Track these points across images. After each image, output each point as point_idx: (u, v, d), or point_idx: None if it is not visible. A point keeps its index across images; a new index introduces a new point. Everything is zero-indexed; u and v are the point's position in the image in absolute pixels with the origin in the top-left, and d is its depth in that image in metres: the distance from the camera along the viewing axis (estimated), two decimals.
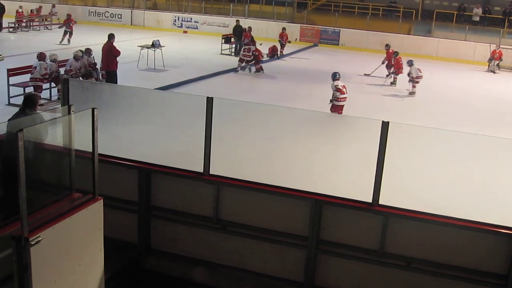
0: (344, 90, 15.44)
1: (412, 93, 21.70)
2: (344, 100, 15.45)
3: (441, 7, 39.70)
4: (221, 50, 29.51)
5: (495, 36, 32.95)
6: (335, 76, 15.63)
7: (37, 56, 16.63)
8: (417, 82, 21.58)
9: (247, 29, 29.40)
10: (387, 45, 25.18)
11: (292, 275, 8.19)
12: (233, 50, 29.85)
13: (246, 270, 8.40)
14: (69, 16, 31.30)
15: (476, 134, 7.97)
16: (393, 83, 23.58)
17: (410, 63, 21.67)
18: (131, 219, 8.66)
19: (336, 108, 15.36)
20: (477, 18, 37.34)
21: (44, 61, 16.56)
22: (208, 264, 8.54)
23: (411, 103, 20.33)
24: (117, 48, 17.92)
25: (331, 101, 15.38)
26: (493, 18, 37.40)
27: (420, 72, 21.53)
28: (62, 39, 29.91)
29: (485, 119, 18.28)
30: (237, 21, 30.98)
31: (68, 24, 30.30)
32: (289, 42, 31.18)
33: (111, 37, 18.09)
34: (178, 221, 8.50)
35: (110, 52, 17.68)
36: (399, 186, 8.04)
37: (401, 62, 23.30)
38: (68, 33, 30.05)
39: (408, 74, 21.72)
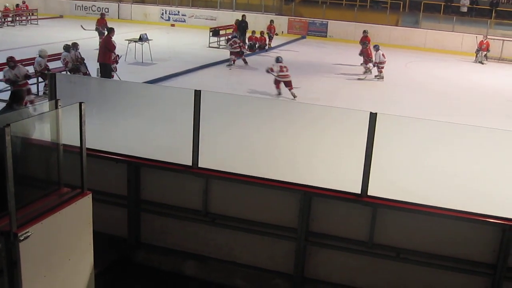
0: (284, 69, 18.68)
1: (380, 78, 22.20)
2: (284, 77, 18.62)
3: None
4: (209, 43, 29.44)
5: (482, 27, 33.07)
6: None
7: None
8: (382, 67, 22.23)
9: (235, 21, 29.43)
10: (365, 31, 25.10)
11: (282, 267, 8.19)
12: (221, 43, 29.78)
13: (236, 263, 8.39)
14: (102, 15, 28.31)
15: (463, 124, 8.03)
16: (366, 72, 23.60)
17: (376, 48, 22.15)
18: (120, 213, 8.64)
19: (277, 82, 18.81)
20: (465, 9, 37.42)
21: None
22: (198, 257, 8.53)
23: (399, 94, 20.37)
24: (113, 42, 17.88)
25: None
26: (480, 9, 37.49)
27: (384, 57, 22.17)
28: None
29: (474, 109, 18.38)
30: (243, 16, 30.23)
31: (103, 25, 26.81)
32: (277, 34, 31.15)
33: (110, 31, 18.12)
34: (168, 214, 8.49)
35: (106, 45, 17.67)
36: (388, 177, 8.06)
37: (369, 51, 23.62)
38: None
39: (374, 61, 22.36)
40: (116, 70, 18.48)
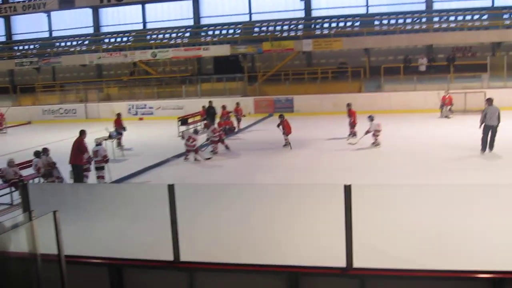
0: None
1: (376, 145, 22.54)
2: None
3: (387, 62, 40.81)
4: (178, 132, 29.62)
5: (443, 83, 33.87)
6: None
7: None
8: (377, 135, 22.64)
9: (202, 107, 29.84)
10: (348, 104, 25.59)
11: None
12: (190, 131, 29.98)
13: None
14: (119, 115, 27.85)
15: (438, 185, 8.10)
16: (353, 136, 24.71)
17: (371, 118, 22.67)
18: None
19: None
20: (423, 68, 38.37)
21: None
22: None
23: (374, 160, 20.54)
24: (85, 145, 17.91)
25: None
26: (438, 66, 38.49)
27: (379, 127, 22.59)
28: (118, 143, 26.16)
29: (449, 164, 18.53)
30: (210, 102, 30.87)
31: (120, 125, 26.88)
32: (244, 116, 31.51)
33: (82, 133, 18.12)
34: None
35: (78, 147, 17.69)
36: (372, 246, 8.03)
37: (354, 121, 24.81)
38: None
39: (368, 130, 22.71)
40: (90, 171, 18.42)
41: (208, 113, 29.88)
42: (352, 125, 24.96)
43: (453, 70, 36.41)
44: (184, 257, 8.03)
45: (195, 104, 35.09)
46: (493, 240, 7.93)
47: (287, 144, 23.59)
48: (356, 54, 41.27)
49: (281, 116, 23.84)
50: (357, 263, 7.44)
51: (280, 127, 23.64)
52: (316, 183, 9.83)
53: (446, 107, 30.78)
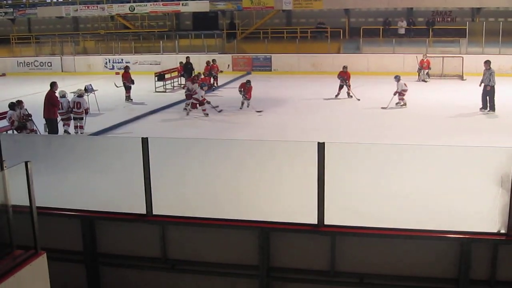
0: None
1: (403, 105, 22.61)
2: None
3: (367, 24, 40.59)
4: (155, 88, 29.39)
5: (422, 47, 33.86)
6: None
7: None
8: (403, 95, 22.67)
9: (179, 63, 29.61)
10: (344, 66, 25.58)
11: None
12: (167, 87, 29.77)
13: None
14: (127, 69, 27.14)
15: (410, 145, 8.17)
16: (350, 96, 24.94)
17: (398, 79, 22.70)
18: (78, 270, 8.47)
19: None
20: (403, 31, 38.29)
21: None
22: None
23: (347, 121, 20.60)
24: (56, 97, 17.69)
25: None
26: (417, 29, 38.45)
27: (406, 86, 22.67)
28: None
29: (424, 127, 18.61)
30: (187, 57, 30.51)
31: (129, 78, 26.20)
32: (221, 71, 31.28)
33: (52, 85, 17.85)
34: (127, 265, 8.37)
35: (49, 101, 17.46)
36: (343, 204, 8.12)
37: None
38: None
39: (396, 90, 22.64)
40: (71, 119, 18.29)
41: (186, 69, 29.60)
42: (348, 86, 25.14)
43: (432, 34, 36.39)
44: (156, 210, 8.05)
45: (173, 60, 34.75)
46: (463, 202, 8.06)
47: (244, 104, 23.18)
48: (336, 15, 40.94)
49: (248, 82, 23.37)
50: (328, 220, 7.53)
51: (242, 90, 23.25)
52: (289, 140, 9.83)
53: (424, 71, 30.83)
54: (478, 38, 34.10)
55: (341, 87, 25.21)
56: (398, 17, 40.34)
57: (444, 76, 31.42)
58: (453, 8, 39.91)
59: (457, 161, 8.26)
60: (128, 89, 25.96)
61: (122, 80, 26.07)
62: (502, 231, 7.23)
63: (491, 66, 20.62)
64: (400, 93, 22.57)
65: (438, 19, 40.29)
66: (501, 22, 35.11)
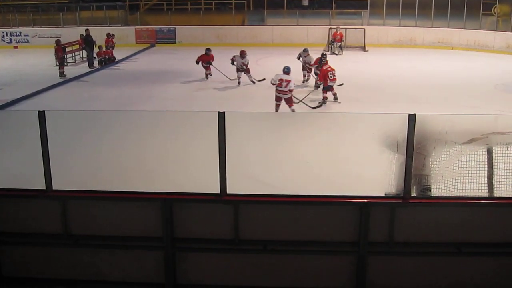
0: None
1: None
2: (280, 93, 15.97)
3: None
4: (56, 61, 28.46)
5: (325, 19, 34.43)
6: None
7: None
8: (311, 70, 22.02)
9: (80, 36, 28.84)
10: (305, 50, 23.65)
11: (153, 278, 8.06)
12: (68, 60, 28.89)
13: (106, 282, 8.15)
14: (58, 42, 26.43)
15: (303, 113, 8.28)
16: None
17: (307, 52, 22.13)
18: None
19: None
20: (306, 3, 38.67)
21: None
22: (66, 282, 8.21)
23: (252, 91, 20.70)
24: None
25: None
26: (321, 1, 38.95)
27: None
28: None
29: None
30: (87, 30, 29.31)
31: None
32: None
33: None
34: (25, 243, 8.11)
35: None
36: (247, 173, 8.18)
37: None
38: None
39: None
40: None
41: (86, 41, 28.76)
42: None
43: (335, 6, 36.99)
44: (57, 185, 7.82)
45: (73, 33, 33.66)
46: (362, 167, 8.29)
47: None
48: None
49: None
50: (232, 190, 7.55)
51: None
52: (192, 111, 9.80)
53: (336, 43, 31.31)
54: (379, 10, 34.97)
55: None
56: None
57: (347, 47, 32.05)
58: None
59: (355, 127, 8.47)
60: (61, 64, 25.07)
61: (54, 55, 25.18)
62: (399, 194, 7.49)
63: None
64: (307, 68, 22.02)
65: None
66: None
